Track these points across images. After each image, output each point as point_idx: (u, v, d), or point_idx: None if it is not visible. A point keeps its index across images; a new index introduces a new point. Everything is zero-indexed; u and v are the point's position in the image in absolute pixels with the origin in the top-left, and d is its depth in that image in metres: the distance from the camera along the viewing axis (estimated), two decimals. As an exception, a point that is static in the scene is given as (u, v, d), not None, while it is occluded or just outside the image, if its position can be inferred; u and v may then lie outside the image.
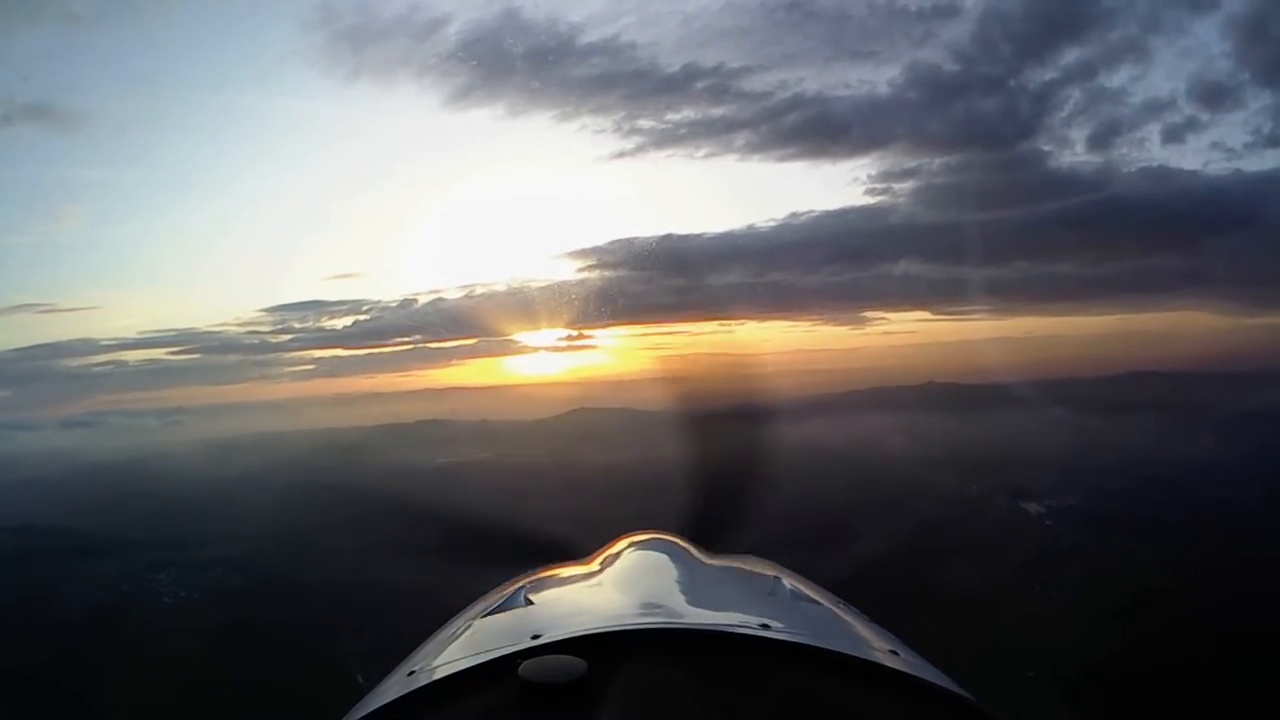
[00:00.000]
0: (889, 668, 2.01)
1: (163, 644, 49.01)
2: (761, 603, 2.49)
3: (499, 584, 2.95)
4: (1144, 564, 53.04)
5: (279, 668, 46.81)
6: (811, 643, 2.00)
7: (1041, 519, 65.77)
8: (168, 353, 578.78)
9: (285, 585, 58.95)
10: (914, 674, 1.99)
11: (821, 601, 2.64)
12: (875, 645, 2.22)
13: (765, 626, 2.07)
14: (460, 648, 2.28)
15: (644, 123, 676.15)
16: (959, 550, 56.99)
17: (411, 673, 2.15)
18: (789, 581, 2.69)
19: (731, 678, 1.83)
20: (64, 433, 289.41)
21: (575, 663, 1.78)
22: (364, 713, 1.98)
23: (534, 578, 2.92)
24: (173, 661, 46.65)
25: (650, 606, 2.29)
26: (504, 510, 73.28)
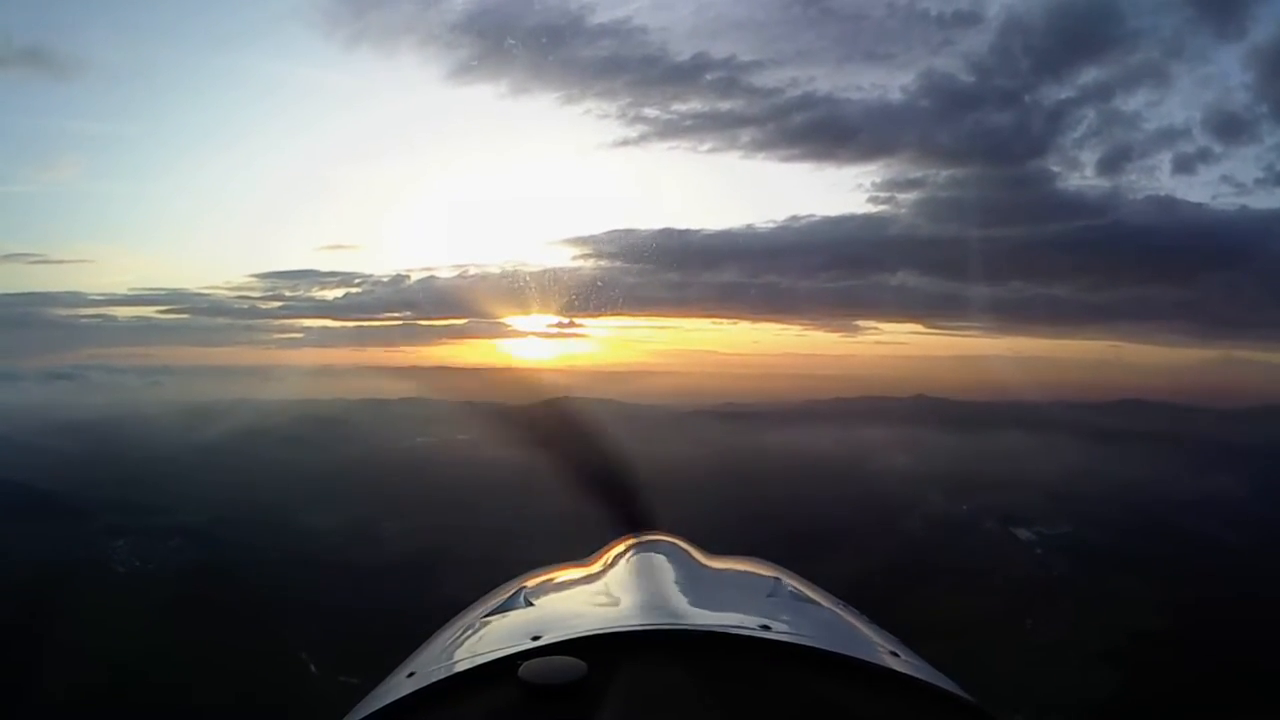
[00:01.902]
0: (889, 669, 1.99)
1: (108, 616, 46.78)
2: (762, 604, 2.41)
3: (499, 584, 2.81)
4: (1137, 604, 51.47)
5: (226, 651, 44.74)
6: (812, 644, 1.99)
7: (1032, 546, 64.13)
8: (157, 311, 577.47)
9: (243, 562, 56.86)
10: (915, 675, 1.97)
11: (822, 603, 2.57)
12: (876, 646, 2.19)
13: (765, 627, 2.03)
14: (460, 649, 2.19)
15: (649, 111, 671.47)
16: (948, 573, 55.36)
17: (411, 674, 2.04)
18: (789, 583, 2.62)
19: (732, 678, 1.82)
20: (44, 385, 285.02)
21: (575, 664, 1.75)
22: (364, 713, 1.90)
23: (534, 579, 2.79)
24: (114, 636, 44.49)
25: (651, 607, 2.23)
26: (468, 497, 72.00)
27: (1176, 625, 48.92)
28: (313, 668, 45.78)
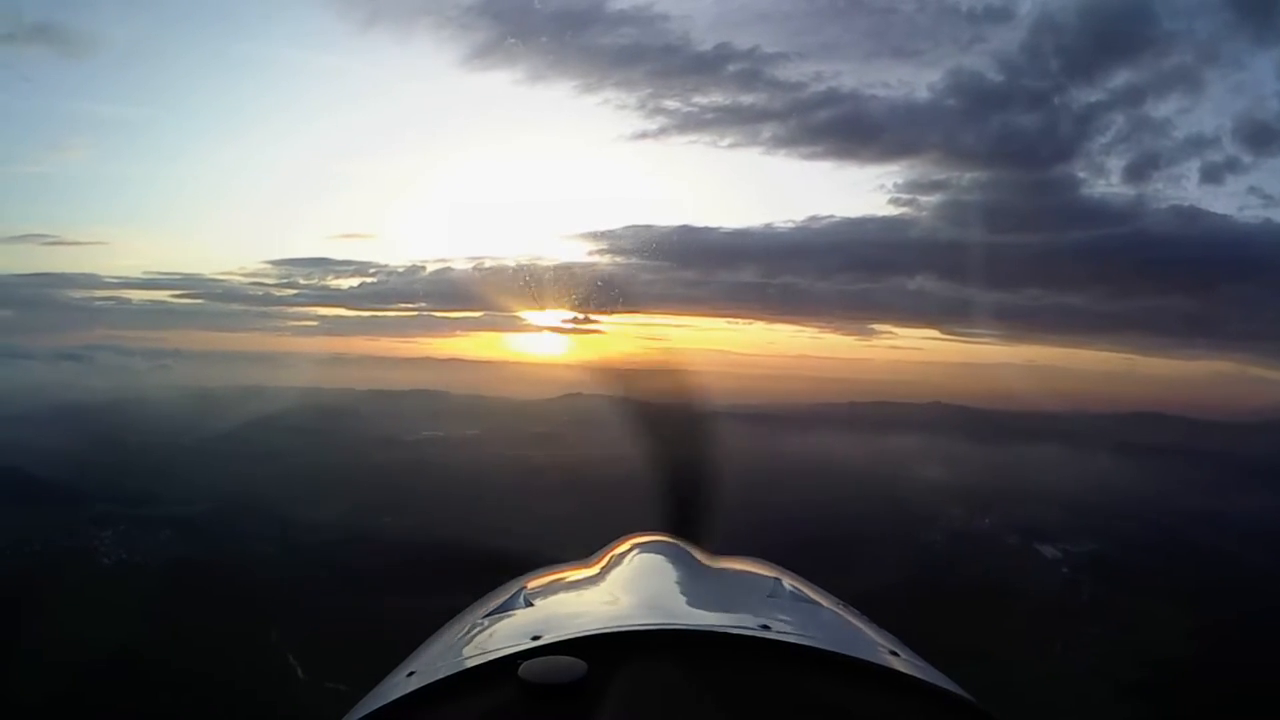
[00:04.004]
0: (889, 668, 1.99)
1: (86, 611, 44.34)
2: (762, 604, 2.38)
3: (499, 584, 2.78)
4: (1169, 630, 49.16)
5: (209, 650, 42.42)
6: (812, 644, 1.99)
7: (1058, 564, 61.45)
8: (171, 295, 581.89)
9: (235, 556, 54.60)
10: (915, 675, 1.97)
11: (822, 603, 2.56)
12: (876, 646, 2.18)
13: (765, 627, 2.03)
14: (460, 648, 2.19)
15: (669, 103, 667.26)
16: (973, 591, 52.58)
17: (411, 673, 2.03)
18: (790, 583, 2.61)
19: (732, 678, 1.82)
20: (53, 365, 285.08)
21: (575, 664, 1.76)
22: (364, 713, 1.90)
23: (535, 578, 2.78)
24: (90, 632, 42.00)
25: (651, 608, 2.24)
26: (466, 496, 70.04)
27: (1209, 652, 46.74)
28: (300, 672, 43.51)
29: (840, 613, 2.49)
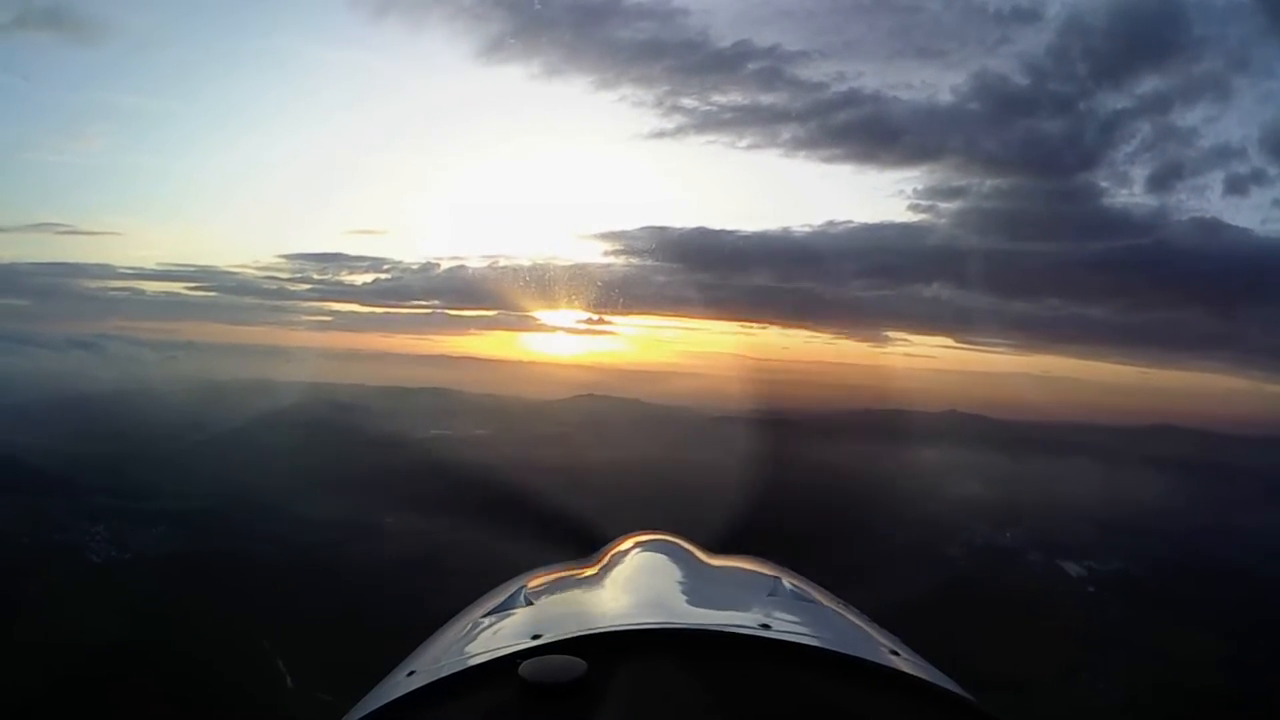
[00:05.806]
0: (890, 668, 2.00)
1: (68, 611, 42.52)
2: (762, 603, 2.40)
3: (499, 583, 2.79)
4: (1202, 657, 46.99)
5: (196, 655, 40.56)
6: (812, 643, 2.00)
7: (1083, 583, 59.20)
8: (185, 287, 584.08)
9: (230, 555, 52.80)
10: (915, 674, 1.98)
11: (822, 602, 2.57)
12: (876, 645, 2.19)
13: (766, 626, 2.04)
14: (460, 647, 2.21)
15: (687, 101, 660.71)
16: (994, 610, 50.31)
17: (411, 672, 2.05)
18: (790, 582, 2.61)
19: (732, 678, 1.83)
20: (64, 354, 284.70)
21: (575, 663, 1.76)
22: (364, 713, 1.91)
23: (535, 577, 2.78)
24: (69, 634, 40.20)
25: (651, 607, 2.27)
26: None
27: (1243, 683, 44.69)
28: (289, 680, 41.66)
29: (841, 612, 2.46)
